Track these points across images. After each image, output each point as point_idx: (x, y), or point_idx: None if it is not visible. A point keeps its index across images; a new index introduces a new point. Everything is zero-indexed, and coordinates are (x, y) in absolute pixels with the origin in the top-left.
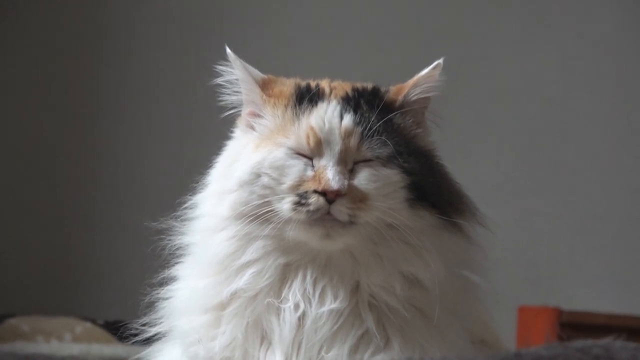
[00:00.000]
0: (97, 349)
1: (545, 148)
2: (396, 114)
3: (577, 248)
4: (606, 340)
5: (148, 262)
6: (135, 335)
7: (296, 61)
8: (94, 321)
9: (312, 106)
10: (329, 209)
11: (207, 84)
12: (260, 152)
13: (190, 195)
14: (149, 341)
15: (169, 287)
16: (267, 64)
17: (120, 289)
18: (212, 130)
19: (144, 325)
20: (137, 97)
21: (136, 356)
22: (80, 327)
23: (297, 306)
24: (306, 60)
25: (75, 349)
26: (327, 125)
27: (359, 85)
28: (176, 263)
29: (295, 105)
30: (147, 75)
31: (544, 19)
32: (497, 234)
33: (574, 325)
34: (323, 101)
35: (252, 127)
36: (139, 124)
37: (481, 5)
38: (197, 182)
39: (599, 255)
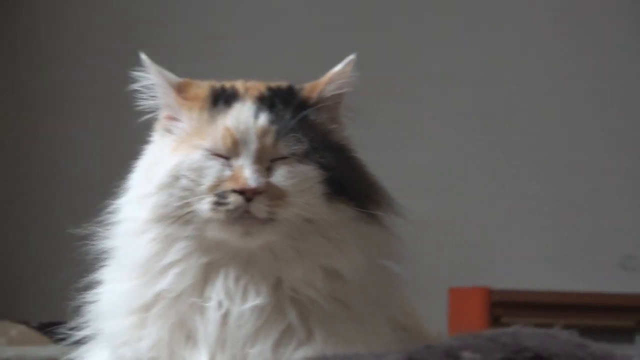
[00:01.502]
0: (32, 351)
1: (474, 132)
2: (311, 110)
3: (506, 228)
4: (515, 327)
5: (77, 266)
6: (66, 339)
7: (213, 61)
8: (27, 323)
9: (228, 107)
10: (248, 207)
11: (127, 89)
12: (178, 154)
13: (112, 200)
14: (80, 343)
15: (94, 290)
16: (185, 65)
17: (51, 291)
18: (134, 135)
19: (72, 329)
20: (63, 103)
21: (66, 357)
22: (15, 330)
23: (220, 304)
24: (223, 60)
25: (11, 352)
26: (242, 125)
27: (273, 84)
28: (101, 267)
29: (210, 107)
30: (72, 80)
31: (473, 2)
32: (424, 219)
33: (505, 304)
34: (238, 102)
35: (170, 131)
36: (57, 130)
37: None
38: (118, 187)
39: (528, 234)
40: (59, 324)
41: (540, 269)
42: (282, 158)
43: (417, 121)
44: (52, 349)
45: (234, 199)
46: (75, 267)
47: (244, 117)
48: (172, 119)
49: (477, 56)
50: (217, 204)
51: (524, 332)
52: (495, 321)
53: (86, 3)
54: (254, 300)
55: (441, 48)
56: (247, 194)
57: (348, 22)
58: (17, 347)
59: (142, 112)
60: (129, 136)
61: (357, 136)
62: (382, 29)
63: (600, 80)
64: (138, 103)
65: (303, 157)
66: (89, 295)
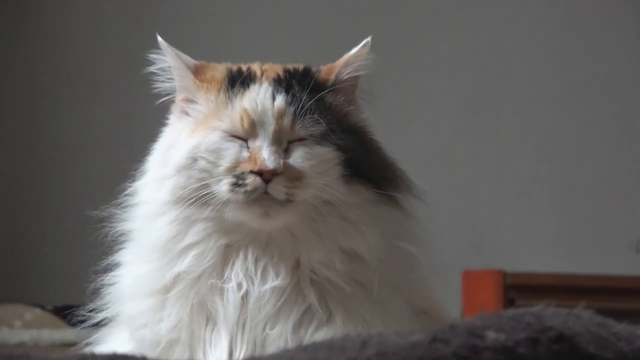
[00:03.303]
0: (47, 334)
1: (482, 114)
2: (327, 92)
3: (518, 211)
4: (538, 307)
5: (93, 249)
6: (83, 321)
7: (227, 44)
8: (42, 307)
9: (245, 89)
10: (266, 188)
11: (142, 72)
12: (196, 136)
13: (130, 183)
14: (98, 325)
15: (113, 273)
16: (199, 48)
17: (67, 274)
18: (151, 117)
19: (90, 311)
20: (78, 85)
21: (85, 341)
22: (30, 313)
23: (239, 285)
24: (237, 43)
25: (26, 335)
26: (259, 107)
27: (290, 66)
28: (119, 249)
29: (227, 89)
30: (86, 63)
31: None
32: (436, 203)
33: (519, 287)
34: (255, 83)
35: (187, 113)
36: (80, 112)
37: None
38: (136, 170)
39: (540, 217)
40: (74, 307)
41: (553, 252)
42: (300, 140)
43: (424, 105)
44: (68, 332)
45: (252, 180)
46: (92, 250)
47: (261, 98)
48: (189, 101)
49: (482, 39)
50: (236, 185)
51: (547, 312)
52: (509, 304)
53: None
54: (273, 282)
55: (446, 33)
56: (265, 176)
57: (353, 7)
58: (32, 330)
59: (159, 95)
60: (146, 118)
61: (367, 120)
62: (387, 15)
63: (608, 66)
64: (154, 85)
65: (320, 139)
66: (108, 278)
